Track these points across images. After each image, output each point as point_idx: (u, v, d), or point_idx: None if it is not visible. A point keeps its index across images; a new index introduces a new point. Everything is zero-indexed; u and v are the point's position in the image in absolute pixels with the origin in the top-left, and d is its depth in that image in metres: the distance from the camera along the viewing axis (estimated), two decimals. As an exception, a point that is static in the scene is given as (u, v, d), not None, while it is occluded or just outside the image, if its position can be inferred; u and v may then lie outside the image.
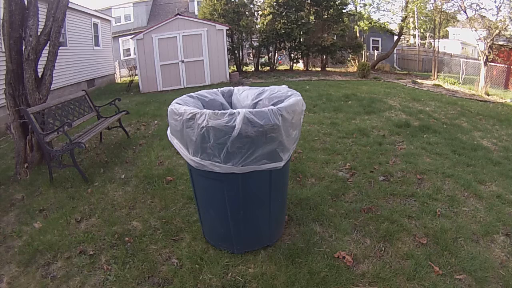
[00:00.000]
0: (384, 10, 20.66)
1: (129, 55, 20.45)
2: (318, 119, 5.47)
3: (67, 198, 3.11)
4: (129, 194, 3.13)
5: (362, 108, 6.23)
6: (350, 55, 16.57)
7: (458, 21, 21.50)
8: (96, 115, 4.74)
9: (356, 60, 16.07)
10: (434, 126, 5.14)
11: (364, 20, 16.05)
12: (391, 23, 19.40)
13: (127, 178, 3.46)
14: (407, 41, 27.41)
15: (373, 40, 20.18)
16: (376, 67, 16.79)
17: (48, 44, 3.93)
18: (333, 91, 8.47)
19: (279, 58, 18.89)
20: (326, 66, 16.27)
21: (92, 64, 11.69)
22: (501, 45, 12.91)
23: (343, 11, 15.19)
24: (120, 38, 20.48)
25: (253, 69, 16.25)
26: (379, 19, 17.62)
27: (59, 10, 3.89)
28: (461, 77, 13.67)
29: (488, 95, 10.76)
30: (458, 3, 13.07)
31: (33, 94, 3.75)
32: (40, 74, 3.95)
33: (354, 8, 16.80)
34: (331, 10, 14.64)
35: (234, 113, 1.75)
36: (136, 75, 11.48)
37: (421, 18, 18.23)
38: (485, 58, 11.71)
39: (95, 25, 12.25)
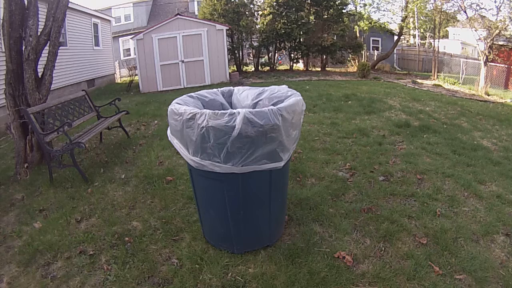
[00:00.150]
0: (384, 10, 20.69)
1: (129, 55, 20.46)
2: (318, 119, 5.47)
3: (67, 198, 3.11)
4: (129, 194, 3.13)
5: (362, 108, 6.23)
6: (350, 55, 16.57)
7: (458, 21, 21.50)
8: (96, 115, 4.74)
9: (356, 60, 16.07)
10: (434, 126, 5.14)
11: (364, 20, 16.05)
12: (391, 23, 19.43)
13: (127, 178, 3.46)
14: (407, 41, 27.42)
15: (373, 40, 20.18)
16: (376, 67, 16.79)
17: (48, 44, 3.93)
18: (333, 91, 8.47)
19: (279, 58, 18.89)
20: (326, 66, 16.28)
21: (92, 64, 11.69)
22: (501, 45, 12.91)
23: (343, 11, 15.20)
24: (120, 38, 20.48)
25: (253, 69, 16.25)
26: (379, 19, 17.65)
27: (59, 10, 3.89)
28: (461, 77, 13.67)
29: (488, 95, 10.76)
30: (458, 3, 13.08)
31: (33, 94, 3.75)
32: (40, 74, 3.95)
33: (354, 8, 16.81)
34: (331, 10, 14.64)
35: (234, 113, 1.75)
36: (136, 75, 11.48)
37: (421, 18, 18.23)
38: (485, 58, 11.71)
39: (95, 25, 12.25)
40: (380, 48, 20.03)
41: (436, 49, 15.86)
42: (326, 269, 2.01)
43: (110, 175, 3.57)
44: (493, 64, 12.57)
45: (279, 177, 2.09)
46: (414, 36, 26.58)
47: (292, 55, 15.99)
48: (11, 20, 3.54)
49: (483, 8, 16.96)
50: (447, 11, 15.35)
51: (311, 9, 15.00)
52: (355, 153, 3.93)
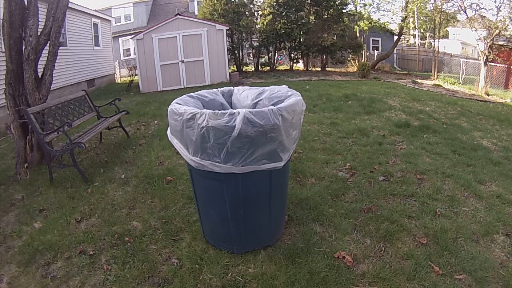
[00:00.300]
0: (384, 10, 20.67)
1: (129, 55, 20.46)
2: (318, 119, 5.47)
3: (67, 198, 3.11)
4: (129, 194, 3.13)
5: (362, 108, 6.23)
6: (350, 55, 16.57)
7: (458, 21, 21.51)
8: (96, 115, 4.74)
9: (356, 60, 16.07)
10: (434, 126, 5.14)
11: (364, 20, 16.04)
12: (391, 23, 19.42)
13: (127, 178, 3.46)
14: (407, 41, 27.42)
15: (373, 40, 20.18)
16: (376, 67, 16.79)
17: (48, 44, 3.93)
18: (333, 91, 8.47)
19: (279, 58, 18.89)
20: (326, 66, 16.28)
21: (92, 64, 11.69)
22: (501, 45, 12.90)
23: (343, 11, 15.20)
24: (120, 38, 20.49)
25: (253, 69, 16.25)
26: (379, 19, 17.61)
27: (59, 10, 3.89)
28: (461, 77, 13.67)
29: (488, 95, 10.76)
30: (458, 3, 13.08)
31: (33, 94, 3.75)
32: (40, 74, 3.95)
33: (354, 8, 16.80)
34: (331, 10, 14.64)
35: (234, 113, 1.75)
36: (136, 75, 11.48)
37: (421, 18, 18.25)
38: (485, 58, 11.71)
39: (95, 25, 12.25)
40: (380, 48, 20.03)
41: (436, 49, 15.86)
42: (326, 269, 2.01)
43: (110, 175, 3.57)
44: (493, 64, 12.57)
45: (279, 177, 2.09)
46: (414, 36, 26.58)
47: (292, 55, 15.99)
48: (11, 20, 3.54)
49: (483, 8, 16.95)
50: (447, 11, 15.35)
51: (311, 9, 15.00)
52: (355, 153, 3.93)
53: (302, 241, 2.28)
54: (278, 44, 15.39)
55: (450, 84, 12.76)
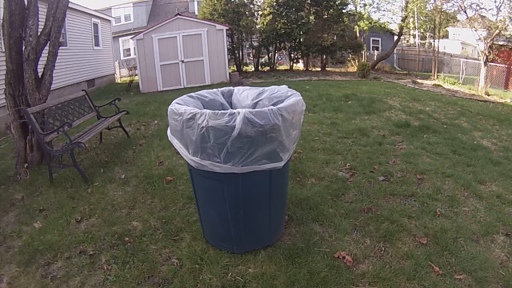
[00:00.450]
0: (384, 10, 20.69)
1: (129, 55, 20.46)
2: (318, 119, 5.47)
3: (67, 198, 3.11)
4: (129, 194, 3.13)
5: (362, 108, 6.23)
6: (350, 55, 16.57)
7: (458, 21, 21.51)
8: (96, 115, 4.74)
9: (356, 60, 16.07)
10: (434, 126, 5.14)
11: (364, 20, 16.04)
12: (391, 23, 19.41)
13: (127, 178, 3.46)
14: (407, 41, 27.42)
15: (373, 40, 20.18)
16: (376, 67, 16.79)
17: (48, 44, 3.93)
18: (333, 91, 8.47)
19: (279, 58, 18.89)
20: (326, 66, 16.28)
21: (92, 64, 11.69)
22: (501, 45, 12.90)
23: (343, 11, 15.19)
24: (120, 38, 20.49)
25: (253, 69, 16.25)
26: (379, 19, 17.62)
27: (59, 10, 3.89)
28: (461, 77, 13.67)
29: (488, 95, 10.76)
30: (458, 3, 13.08)
31: (33, 94, 3.75)
32: (40, 74, 3.95)
33: (354, 8, 16.80)
34: (331, 10, 14.64)
35: (234, 113, 1.75)
36: (136, 75, 11.48)
37: (421, 18, 18.25)
38: (485, 58, 11.71)
39: (95, 25, 12.25)
40: (380, 48, 20.03)
41: (436, 49, 15.85)
42: (326, 269, 2.01)
43: (110, 175, 3.57)
44: (493, 64, 12.57)
45: (279, 177, 2.09)
46: (414, 36, 26.59)
47: (292, 55, 15.99)
48: (11, 20, 3.54)
49: (483, 8, 16.97)
50: (447, 11, 15.35)
51: (311, 9, 15.00)
52: (355, 153, 3.93)
53: (302, 241, 2.28)
54: (278, 44, 15.39)
55: (450, 84, 12.76)
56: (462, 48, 23.36)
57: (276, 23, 14.16)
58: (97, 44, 12.35)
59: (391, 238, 2.30)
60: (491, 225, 2.44)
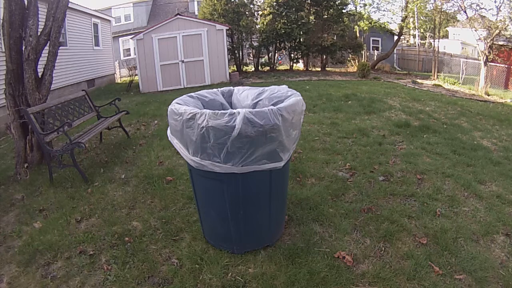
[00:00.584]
0: (384, 10, 20.72)
1: (129, 55, 20.46)
2: (318, 119, 5.47)
3: (67, 198, 3.11)
4: (129, 194, 3.13)
5: (362, 108, 6.23)
6: (350, 55, 16.57)
7: (458, 21, 21.50)
8: (96, 115, 4.74)
9: (356, 60, 16.07)
10: (434, 126, 5.14)
11: (364, 20, 16.04)
12: (391, 23, 19.43)
13: (127, 178, 3.46)
14: (407, 41, 27.42)
15: (373, 40, 20.18)
16: (376, 67, 16.79)
17: (48, 44, 3.93)
18: (333, 91, 8.47)
19: (279, 58, 18.89)
20: (326, 66, 16.28)
21: (92, 64, 11.69)
22: (501, 45, 12.90)
23: (343, 11, 15.20)
24: (120, 38, 20.49)
25: (253, 69, 16.25)
26: (379, 19, 17.61)
27: (59, 10, 3.89)
28: (461, 77, 13.67)
29: (488, 95, 10.76)
30: (458, 3, 13.08)
31: (33, 94, 3.75)
32: (40, 74, 3.95)
33: (354, 8, 16.81)
34: (331, 10, 14.65)
35: (234, 113, 1.75)
36: (136, 75, 11.49)
37: (421, 18, 18.25)
38: (485, 58, 11.71)
39: (95, 25, 12.25)
40: (380, 48, 20.03)
41: (436, 49, 15.85)
42: (326, 269, 2.01)
43: (110, 175, 3.57)
44: (493, 64, 12.57)
45: (279, 177, 2.09)
46: (414, 36, 26.59)
47: (292, 55, 15.99)
48: (11, 20, 3.54)
49: (483, 8, 16.98)
50: (447, 11, 15.35)
51: (311, 9, 15.00)
52: (355, 153, 3.93)
53: (302, 241, 2.28)
54: (278, 44, 15.39)
55: (450, 84, 12.76)
56: (462, 48, 23.36)
57: (276, 23, 14.16)
58: (97, 44, 12.35)
59: (391, 238, 2.30)
60: (491, 225, 2.44)
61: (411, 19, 18.93)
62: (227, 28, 11.57)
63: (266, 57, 16.80)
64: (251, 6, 15.15)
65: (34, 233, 2.56)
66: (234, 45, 14.61)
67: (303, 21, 14.47)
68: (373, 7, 16.98)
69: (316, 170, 3.45)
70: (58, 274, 2.11)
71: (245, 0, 14.64)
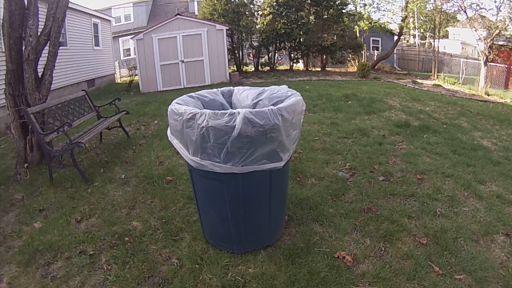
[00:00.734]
0: (384, 10, 20.72)
1: (129, 55, 20.46)
2: (318, 119, 5.47)
3: (67, 198, 3.11)
4: (129, 194, 3.13)
5: (362, 108, 6.23)
6: (350, 55, 16.57)
7: (458, 21, 21.50)
8: (96, 115, 4.74)
9: (356, 60, 16.07)
10: (434, 126, 5.14)
11: (364, 20, 16.04)
12: (391, 23, 19.45)
13: (127, 178, 3.46)
14: (407, 41, 27.42)
15: (373, 40, 20.18)
16: (376, 67, 16.79)
17: (48, 44, 3.93)
18: (333, 91, 8.47)
19: (279, 58, 18.89)
20: (326, 66, 16.28)
21: (92, 64, 11.69)
22: (501, 45, 12.90)
23: (343, 11, 15.20)
24: (120, 38, 20.49)
25: (253, 69, 16.25)
26: (379, 19, 17.62)
27: (59, 10, 3.89)
28: (461, 77, 13.67)
29: (488, 95, 10.76)
30: (458, 3, 13.08)
31: (33, 94, 3.75)
32: (40, 74, 3.95)
33: (354, 8, 16.81)
34: (331, 10, 14.65)
35: (234, 113, 1.75)
36: (136, 75, 11.49)
37: (421, 18, 18.26)
38: (485, 58, 11.71)
39: (95, 25, 12.25)
40: (380, 48, 20.03)
41: (436, 49, 15.85)
42: (326, 269, 2.01)
43: (110, 175, 3.57)
44: (493, 64, 12.56)
45: (279, 177, 2.09)
46: (414, 36, 26.58)
47: (292, 55, 15.99)
48: (11, 20, 3.53)
49: (483, 8, 16.98)
50: (447, 11, 15.35)
51: (311, 9, 15.00)
52: (355, 153, 3.93)
53: (302, 241, 2.28)
54: (278, 44, 15.39)
55: (450, 84, 12.76)
56: (462, 48, 23.36)
57: (276, 23, 14.16)
58: (97, 44, 12.35)
59: (391, 238, 2.30)
60: (491, 225, 2.44)
61: (411, 19, 18.93)
62: (227, 28, 11.57)
63: (266, 57, 16.80)
64: (251, 6, 15.15)
65: (34, 233, 2.56)
66: (234, 45, 14.61)
67: (303, 21, 14.47)
68: (373, 7, 17.00)
69: (316, 170, 3.45)
70: (58, 274, 2.11)
71: (245, 0, 14.64)
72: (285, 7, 14.42)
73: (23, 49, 3.66)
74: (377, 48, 20.10)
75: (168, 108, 2.05)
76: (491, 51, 11.67)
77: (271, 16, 14.20)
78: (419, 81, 12.75)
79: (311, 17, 14.96)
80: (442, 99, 8.10)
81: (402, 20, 16.20)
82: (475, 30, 12.14)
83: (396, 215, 2.57)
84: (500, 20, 11.68)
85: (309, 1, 14.77)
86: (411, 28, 21.00)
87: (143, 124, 5.81)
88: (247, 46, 15.89)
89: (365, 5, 16.66)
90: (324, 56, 15.72)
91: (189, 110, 1.85)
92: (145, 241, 2.37)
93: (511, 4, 11.67)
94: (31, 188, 3.39)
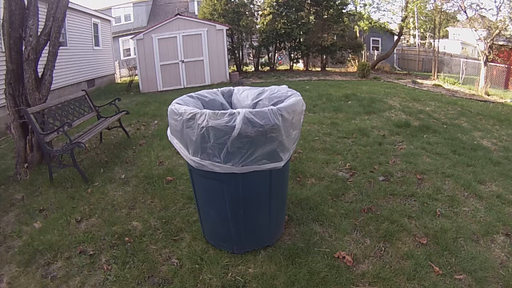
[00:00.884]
0: (384, 10, 20.70)
1: (129, 55, 20.46)
2: (318, 119, 5.47)
3: (67, 198, 3.11)
4: (129, 194, 3.13)
5: (362, 108, 6.23)
6: (350, 55, 16.57)
7: (458, 21, 21.51)
8: (96, 115, 4.74)
9: (356, 60, 16.07)
10: (434, 126, 5.14)
11: (364, 20, 16.05)
12: (391, 23, 19.44)
13: (127, 178, 3.46)
14: (407, 41, 27.42)
15: (373, 40, 20.18)
16: (376, 67, 16.79)
17: (48, 44, 3.93)
18: (333, 91, 8.47)
19: (279, 58, 18.89)
20: (326, 66, 16.28)
21: (92, 64, 11.69)
22: (501, 45, 12.90)
23: (343, 11, 15.21)
24: (120, 38, 20.49)
25: (253, 69, 16.25)
26: (379, 19, 17.62)
27: (59, 10, 3.89)
28: (461, 77, 13.67)
29: (488, 95, 10.76)
30: (458, 3, 13.08)
31: (33, 94, 3.75)
32: (40, 74, 3.95)
33: (354, 8, 16.81)
34: (331, 10, 14.65)
35: (234, 113, 1.75)
36: (136, 75, 11.49)
37: (421, 18, 18.26)
38: (485, 58, 11.71)
39: (95, 25, 12.25)
40: (380, 48, 20.03)
41: (436, 49, 15.85)
42: (326, 269, 2.01)
43: (110, 175, 3.57)
44: (493, 64, 12.57)
45: (279, 177, 2.09)
46: (414, 36, 26.59)
47: (292, 55, 15.99)
48: (11, 20, 3.53)
49: (483, 8, 16.98)
50: (447, 11, 15.36)
51: (311, 9, 15.00)
52: (355, 153, 3.93)
53: (302, 241, 2.28)
54: (278, 44, 15.39)
55: (450, 84, 12.76)
56: (462, 48, 23.36)
57: (276, 23, 14.16)
58: (97, 44, 12.35)
59: (391, 238, 2.30)
60: (491, 225, 2.44)
61: (411, 19, 18.93)
62: (227, 28, 11.57)
63: (266, 57, 16.80)
64: (251, 6, 15.16)
65: (34, 233, 2.56)
66: (234, 45, 14.61)
67: (303, 21, 14.47)
68: (373, 7, 17.01)
69: (316, 170, 3.45)
70: (58, 274, 2.11)
71: (245, 0, 14.64)
72: (285, 7, 14.43)
73: (23, 49, 3.66)
74: (377, 48, 20.10)
75: (168, 108, 2.05)
76: (491, 51, 11.68)
77: (271, 16, 14.20)
78: (419, 81, 12.75)
79: (311, 17, 14.96)
80: (442, 99, 8.10)
81: (402, 20, 16.20)
82: (475, 30, 12.15)
83: (396, 215, 2.57)
84: (500, 20, 11.69)
85: (309, 1, 14.77)
86: (411, 28, 21.00)
87: (143, 124, 5.81)
88: (247, 46, 15.89)
89: (365, 5, 16.68)
90: (324, 56, 15.72)
91: (189, 110, 1.85)
92: (145, 241, 2.37)
93: (511, 4, 11.67)
94: (31, 188, 3.39)
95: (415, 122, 5.38)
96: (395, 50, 18.00)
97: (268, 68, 16.12)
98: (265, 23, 14.37)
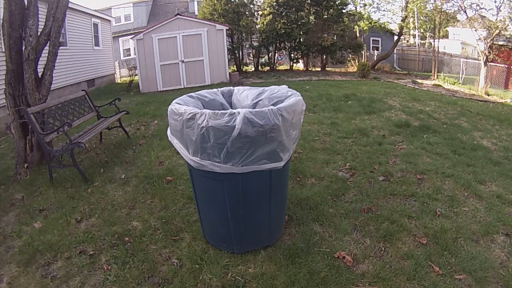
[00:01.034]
0: (384, 10, 20.76)
1: (129, 55, 20.46)
2: (318, 119, 5.47)
3: (67, 198, 3.11)
4: (129, 194, 3.13)
5: (362, 108, 6.23)
6: (350, 55, 16.58)
7: (458, 21, 21.49)
8: (96, 115, 4.74)
9: (356, 60, 16.07)
10: (434, 126, 5.14)
11: (364, 20, 16.06)
12: (391, 23, 19.43)
13: (127, 178, 3.46)
14: (407, 41, 27.42)
15: (373, 40, 20.19)
16: (376, 67, 16.80)
17: (48, 44, 3.93)
18: (333, 91, 8.47)
19: (279, 58, 18.89)
20: (326, 66, 16.28)
21: (92, 64, 11.69)
22: (501, 45, 12.90)
23: (343, 11, 15.21)
24: (120, 38, 20.49)
25: (253, 69, 16.25)
26: (379, 19, 17.68)
27: (59, 10, 3.89)
28: (461, 77, 13.68)
29: (488, 95, 10.77)
30: (458, 3, 13.08)
31: (33, 94, 3.75)
32: (40, 74, 3.95)
33: (354, 8, 16.82)
34: (331, 10, 14.65)
35: (234, 113, 1.75)
36: (136, 75, 11.49)
37: (421, 18, 18.25)
38: (485, 58, 11.71)
39: (95, 25, 12.25)
40: (380, 48, 20.03)
41: (436, 49, 15.86)
42: (326, 269, 2.01)
43: (110, 175, 3.57)
44: (493, 64, 12.57)
45: (279, 177, 2.09)
46: (414, 36, 26.58)
47: (292, 55, 15.99)
48: (11, 20, 3.53)
49: (483, 8, 16.95)
50: (447, 11, 15.36)
51: (311, 9, 15.00)
52: (355, 153, 3.93)
53: (302, 241, 2.28)
54: (278, 44, 15.39)
55: (450, 84, 12.76)
56: (462, 48, 23.36)
57: (276, 23, 14.16)
58: (97, 44, 12.35)
59: (391, 238, 2.30)
60: (491, 225, 2.44)
61: (411, 19, 18.93)
62: (227, 28, 11.57)
63: (266, 57, 16.80)
64: (251, 6, 15.16)
65: (34, 233, 2.56)
66: (234, 45, 14.61)
67: (303, 21, 14.47)
68: (373, 7, 17.02)
69: (316, 170, 3.45)
70: (58, 274, 2.11)
71: (245, 0, 14.64)
72: (285, 7, 14.43)
73: (23, 49, 3.66)
74: (377, 48, 20.11)
75: (168, 108, 2.05)
76: (491, 51, 11.68)
77: (271, 16, 14.20)
78: (419, 81, 12.75)
79: (311, 17, 14.96)
80: (442, 99, 8.10)
81: (402, 20, 16.21)
82: (475, 30, 12.15)
83: (396, 215, 2.57)
84: (500, 20, 11.69)
85: (309, 1, 14.77)
86: (411, 28, 20.99)
87: (143, 124, 5.81)
88: (247, 46, 15.89)
89: (365, 5, 16.68)
90: (324, 56, 15.72)
91: (189, 110, 1.85)
92: (145, 241, 2.37)
93: (511, 4, 11.67)
94: (31, 188, 3.39)
95: (415, 122, 5.38)
96: (395, 50, 18.00)
97: (268, 68, 16.12)
98: (265, 23, 14.37)
